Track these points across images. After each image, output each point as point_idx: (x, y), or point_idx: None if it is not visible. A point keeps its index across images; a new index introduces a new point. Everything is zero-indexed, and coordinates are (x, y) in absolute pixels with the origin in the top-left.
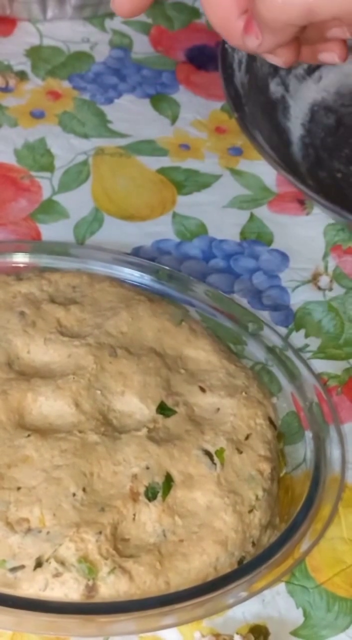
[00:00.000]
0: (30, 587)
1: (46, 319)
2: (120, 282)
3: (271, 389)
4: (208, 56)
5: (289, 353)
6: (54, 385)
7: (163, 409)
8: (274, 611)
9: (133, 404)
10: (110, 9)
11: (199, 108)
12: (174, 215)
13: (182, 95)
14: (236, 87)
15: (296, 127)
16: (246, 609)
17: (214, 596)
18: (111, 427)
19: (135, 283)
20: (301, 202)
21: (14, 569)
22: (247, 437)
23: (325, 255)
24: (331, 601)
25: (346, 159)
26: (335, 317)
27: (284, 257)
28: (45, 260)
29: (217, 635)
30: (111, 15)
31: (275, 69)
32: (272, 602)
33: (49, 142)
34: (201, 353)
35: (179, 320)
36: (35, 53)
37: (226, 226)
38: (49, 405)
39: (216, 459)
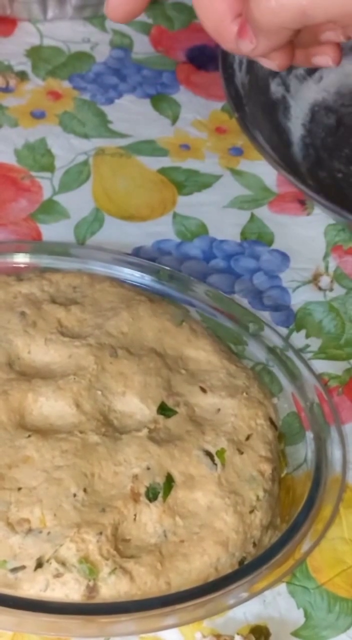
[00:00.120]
0: (31, 587)
1: (47, 319)
2: (120, 282)
3: (271, 389)
4: (208, 56)
5: (290, 353)
6: (55, 385)
7: (164, 410)
8: (275, 612)
9: (134, 405)
10: None
11: (199, 108)
12: (175, 215)
13: (183, 96)
14: (237, 87)
15: (296, 127)
16: (246, 610)
17: (215, 597)
18: (112, 428)
19: (136, 283)
20: (302, 203)
21: (14, 570)
22: (248, 438)
23: (326, 256)
24: (332, 602)
25: (346, 159)
26: (336, 317)
27: (284, 257)
28: (45, 261)
29: (218, 636)
30: None
31: None
32: (273, 602)
33: (49, 142)
34: (201, 353)
35: (179, 320)
36: (35, 53)
37: (227, 226)
38: (50, 405)
39: (216, 459)
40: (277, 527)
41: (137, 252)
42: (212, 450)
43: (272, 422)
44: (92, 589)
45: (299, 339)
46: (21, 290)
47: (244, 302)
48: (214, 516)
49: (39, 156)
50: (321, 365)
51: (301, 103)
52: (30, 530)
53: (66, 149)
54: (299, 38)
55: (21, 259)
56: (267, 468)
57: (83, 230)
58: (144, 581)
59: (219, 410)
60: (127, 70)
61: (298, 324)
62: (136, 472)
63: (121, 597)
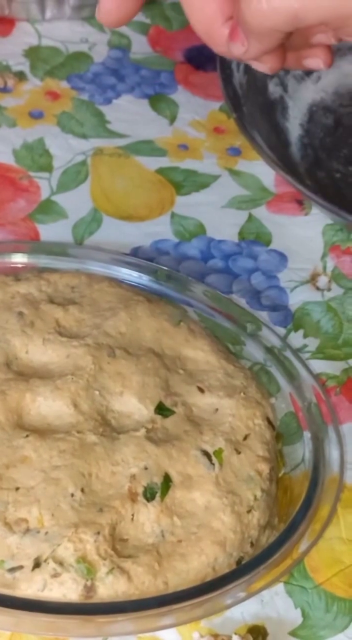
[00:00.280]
0: (29, 587)
1: (45, 319)
2: (118, 282)
3: (269, 389)
4: (207, 56)
5: (288, 353)
6: (53, 385)
7: (161, 410)
8: (273, 611)
9: (131, 405)
10: None
11: (197, 108)
12: (173, 215)
13: (181, 96)
14: (235, 88)
15: (294, 127)
16: (244, 610)
17: (213, 596)
18: (110, 428)
19: (134, 283)
20: (300, 203)
21: (12, 570)
22: (245, 438)
23: (323, 256)
24: (329, 601)
25: (344, 159)
26: (334, 317)
27: (282, 257)
28: (43, 261)
29: (215, 636)
30: None
31: None
32: (271, 602)
33: (47, 143)
34: (199, 353)
35: (177, 320)
36: (33, 53)
37: (225, 226)
38: (48, 405)
39: (214, 459)
40: (274, 527)
41: (135, 252)
42: (210, 450)
43: (269, 422)
44: (89, 589)
45: (296, 339)
46: (19, 290)
47: (242, 302)
48: (211, 516)
49: (37, 156)
50: (319, 365)
51: (299, 103)
52: (27, 530)
53: (64, 149)
54: (291, 41)
55: (19, 259)
56: (264, 468)
57: (81, 230)
58: (142, 581)
59: (216, 410)
60: (126, 70)
61: (296, 324)
62: (134, 472)
63: (119, 597)
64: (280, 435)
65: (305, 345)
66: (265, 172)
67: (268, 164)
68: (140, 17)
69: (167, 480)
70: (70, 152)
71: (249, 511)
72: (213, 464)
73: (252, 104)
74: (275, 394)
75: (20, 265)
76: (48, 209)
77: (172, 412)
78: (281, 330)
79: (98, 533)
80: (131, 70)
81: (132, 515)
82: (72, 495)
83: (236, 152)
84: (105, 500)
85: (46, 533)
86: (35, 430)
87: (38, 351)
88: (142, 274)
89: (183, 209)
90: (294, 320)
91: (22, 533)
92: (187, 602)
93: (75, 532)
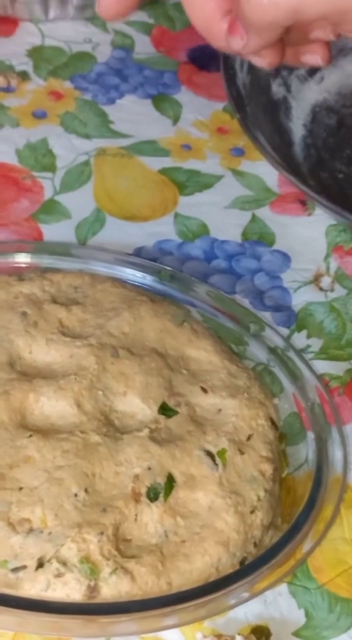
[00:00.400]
0: (32, 587)
1: (48, 319)
2: (122, 282)
3: (272, 389)
4: (210, 56)
5: (291, 354)
6: (56, 385)
7: (165, 410)
8: (276, 612)
9: (135, 405)
10: None
11: (200, 108)
12: (176, 215)
13: (184, 96)
14: (238, 88)
15: (297, 127)
16: (247, 610)
17: (216, 597)
18: (113, 428)
19: (137, 283)
20: (303, 203)
21: (15, 570)
22: (249, 438)
23: (327, 256)
24: (333, 602)
25: (347, 159)
26: (337, 318)
27: (285, 257)
28: (47, 261)
29: (219, 636)
30: None
31: (277, 70)
32: (274, 602)
33: (50, 143)
34: (202, 353)
35: (180, 320)
36: (37, 53)
37: (228, 227)
38: (51, 405)
39: (217, 459)
40: (278, 527)
41: (139, 252)
42: (213, 451)
43: (273, 423)
44: (93, 589)
45: (300, 339)
46: (22, 290)
47: (245, 302)
48: (215, 516)
49: (40, 156)
50: (322, 366)
51: (302, 103)
52: (31, 530)
53: (67, 149)
54: (289, 36)
55: (22, 259)
56: (268, 468)
57: (84, 230)
58: (145, 581)
59: (220, 410)
60: (129, 70)
61: (299, 324)
62: (137, 472)
63: (122, 597)
64: (283, 436)
65: (308, 346)
66: (268, 173)
67: (271, 165)
68: (144, 17)
69: (170, 481)
70: (74, 152)
71: (252, 511)
72: (216, 464)
73: (255, 104)
74: (278, 394)
75: (23, 265)
76: (51, 209)
77: (176, 413)
78: (284, 331)
79: (101, 533)
80: (134, 70)
81: (136, 515)
82: (76, 495)
83: (239, 152)
84: (108, 501)
85: (49, 533)
86: (39, 430)
87: (41, 351)
88: (145, 274)
89: (186, 209)
90: (298, 321)
91: (26, 533)
92: (191, 602)
93: (79, 532)
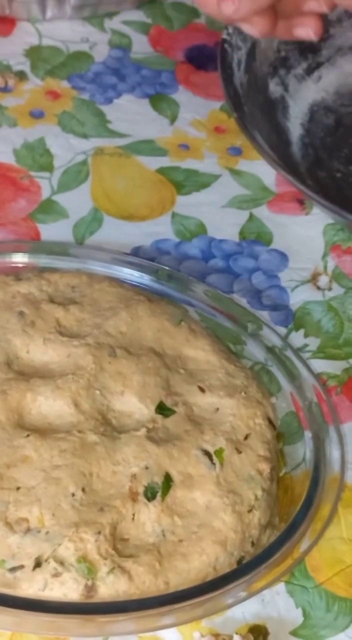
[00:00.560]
0: (30, 587)
1: (45, 319)
2: (119, 282)
3: (270, 388)
4: (207, 56)
5: (289, 353)
6: (53, 385)
7: (162, 409)
8: (274, 611)
9: (132, 404)
10: (110, 9)
11: (198, 108)
12: (174, 215)
13: (182, 95)
14: (235, 87)
15: (295, 127)
16: (245, 609)
17: (214, 596)
18: (110, 427)
19: (135, 283)
20: (301, 202)
21: (13, 569)
22: (246, 437)
23: (324, 255)
24: (330, 601)
25: (345, 158)
26: (334, 317)
27: (283, 257)
28: (44, 260)
29: (216, 635)
30: (110, 15)
31: (274, 69)
32: (272, 602)
33: (48, 142)
34: (200, 353)
35: (178, 320)
36: (34, 53)
37: (225, 226)
38: (48, 405)
39: (215, 459)
40: (275, 527)
41: (136, 251)
42: (211, 450)
43: (270, 422)
44: (90, 589)
45: (297, 338)
46: (20, 289)
47: (243, 301)
48: (212, 515)
49: (37, 156)
50: (320, 365)
51: (300, 103)
52: (28, 530)
53: (65, 148)
54: (282, 8)
55: (20, 258)
56: (265, 467)
57: (82, 229)
58: (143, 580)
59: (217, 409)
60: (126, 70)
61: (297, 323)
62: (135, 472)
63: (120, 596)
64: (281, 435)
65: (306, 345)
66: (266, 172)
67: (269, 164)
68: (141, 17)
69: (168, 480)
70: (71, 152)
71: (250, 511)
72: (214, 464)
73: (253, 104)
74: (276, 393)
75: (21, 265)
76: (49, 209)
77: (173, 412)
78: (282, 330)
79: (99, 533)
80: (132, 70)
81: (133, 514)
82: (73, 494)
83: (236, 151)
84: (106, 500)
85: (47, 533)
86: (36, 429)
87: (39, 351)
88: (143, 274)
89: (184, 208)
90: (295, 320)
91: (23, 533)
92: (188, 601)
93: (76, 531)
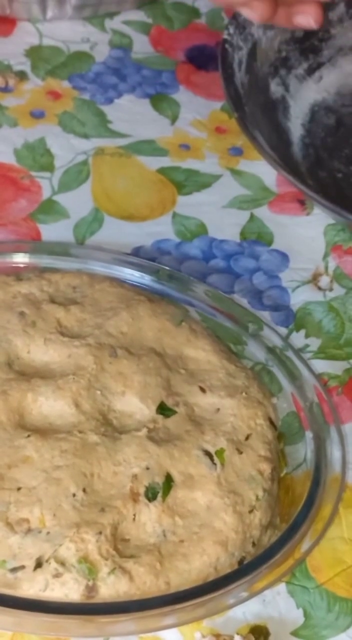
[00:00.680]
0: (31, 587)
1: (46, 319)
2: (120, 282)
3: (271, 389)
4: (208, 56)
5: (290, 353)
6: (54, 385)
7: (163, 409)
8: (275, 611)
9: (133, 404)
10: (110, 9)
11: (199, 108)
12: (174, 215)
13: (182, 95)
14: (236, 87)
15: (296, 127)
16: (246, 609)
17: (215, 596)
18: (111, 428)
19: (136, 283)
20: (301, 202)
21: (14, 570)
22: (247, 438)
23: (325, 256)
24: (331, 601)
25: (346, 159)
26: (335, 317)
27: (284, 257)
28: (45, 261)
29: (217, 636)
30: (111, 15)
31: (275, 69)
32: (273, 602)
33: (48, 142)
34: (201, 353)
35: (179, 320)
36: (35, 53)
37: (226, 226)
38: (49, 405)
39: (216, 459)
40: (276, 527)
41: (137, 252)
42: (212, 450)
43: (271, 422)
44: (91, 589)
45: (298, 338)
46: (20, 290)
47: (244, 302)
48: (213, 516)
49: (38, 156)
50: (321, 365)
51: (301, 103)
52: (29, 530)
53: (66, 148)
54: None
55: (21, 258)
56: (266, 468)
57: (82, 230)
58: (144, 581)
59: (218, 410)
60: (127, 70)
61: (298, 323)
62: (135, 472)
63: (120, 597)
64: (282, 435)
65: (307, 345)
66: (266, 172)
67: (270, 164)
68: (142, 17)
69: (168, 480)
70: (72, 152)
71: (251, 511)
72: (215, 464)
73: (253, 104)
74: (277, 393)
75: (21, 265)
76: (49, 209)
77: (174, 412)
78: (283, 330)
79: (100, 533)
80: (133, 70)
81: (134, 515)
82: (74, 495)
83: (237, 151)
84: (107, 500)
85: (48, 533)
86: (37, 430)
87: (39, 351)
88: (143, 274)
89: (184, 208)
90: (296, 320)
91: (24, 533)
92: (189, 602)
93: (77, 532)
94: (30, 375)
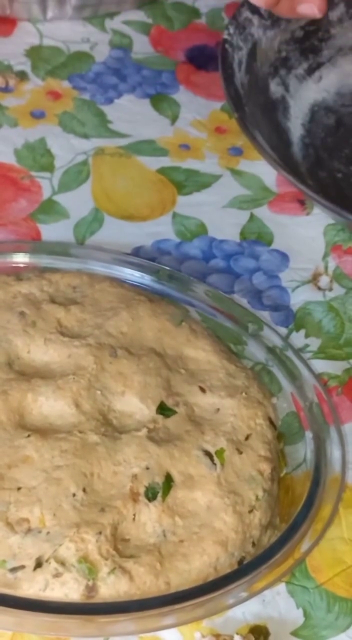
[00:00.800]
0: (31, 587)
1: (46, 319)
2: (120, 282)
3: (271, 389)
4: (208, 56)
5: (289, 353)
6: (54, 385)
7: (163, 409)
8: (275, 611)
9: (133, 404)
10: (110, 9)
11: (199, 108)
12: (174, 215)
13: (182, 96)
14: (236, 87)
15: (296, 127)
16: (246, 609)
17: (214, 596)
18: (111, 428)
19: (136, 283)
20: (301, 202)
21: (14, 569)
22: (247, 438)
23: (325, 256)
24: (331, 601)
25: (346, 159)
26: (335, 317)
27: (284, 257)
28: (45, 261)
29: (217, 636)
30: (111, 15)
31: (275, 69)
32: (273, 602)
33: (49, 142)
34: (201, 353)
35: (179, 320)
36: (35, 53)
37: (226, 226)
38: (49, 405)
39: (216, 459)
40: (276, 527)
41: (137, 252)
42: (212, 450)
43: (271, 422)
44: (91, 589)
45: (298, 338)
46: (21, 290)
47: (244, 302)
48: (213, 516)
49: (38, 156)
50: (321, 365)
51: (301, 103)
52: (29, 530)
53: (66, 148)
54: None
55: (21, 258)
56: (266, 468)
57: (83, 230)
58: (144, 581)
59: (218, 410)
60: (127, 70)
61: (297, 323)
62: (135, 472)
63: (120, 596)
64: (282, 435)
65: (307, 345)
66: (266, 172)
67: (270, 164)
68: (142, 17)
69: (168, 480)
70: (72, 152)
71: (250, 511)
72: (215, 464)
73: (253, 104)
74: (277, 393)
75: (21, 265)
76: (49, 209)
77: (174, 412)
78: (283, 330)
79: (100, 533)
80: (133, 70)
81: (134, 515)
82: (74, 495)
83: (237, 152)
84: (107, 500)
85: (48, 533)
86: (37, 430)
87: (40, 351)
88: (143, 274)
89: (184, 208)
90: (296, 320)
91: (24, 533)
92: (189, 602)
93: (77, 532)
94: (30, 375)
